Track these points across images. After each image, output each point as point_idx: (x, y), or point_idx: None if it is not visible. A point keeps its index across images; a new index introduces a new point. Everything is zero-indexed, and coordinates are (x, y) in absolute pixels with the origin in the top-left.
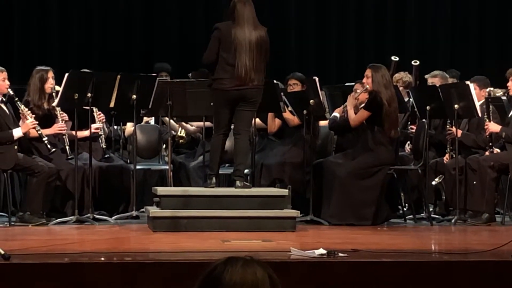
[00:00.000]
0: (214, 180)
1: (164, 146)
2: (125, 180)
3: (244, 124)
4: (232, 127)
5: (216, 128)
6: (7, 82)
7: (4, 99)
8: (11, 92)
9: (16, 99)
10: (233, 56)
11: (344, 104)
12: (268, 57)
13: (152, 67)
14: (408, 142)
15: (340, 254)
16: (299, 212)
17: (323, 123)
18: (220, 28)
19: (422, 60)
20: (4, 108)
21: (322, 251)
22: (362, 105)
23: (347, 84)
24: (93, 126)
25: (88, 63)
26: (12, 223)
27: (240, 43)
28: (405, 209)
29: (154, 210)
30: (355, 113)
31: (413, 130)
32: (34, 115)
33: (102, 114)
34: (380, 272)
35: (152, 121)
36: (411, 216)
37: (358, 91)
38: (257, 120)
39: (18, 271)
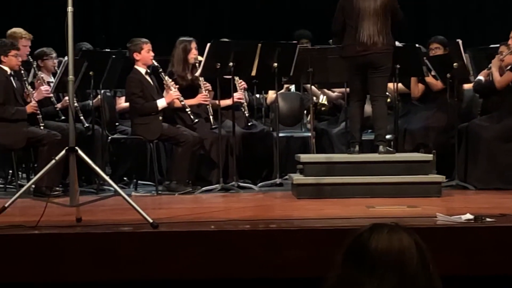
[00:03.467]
0: (357, 147)
1: (306, 113)
2: (268, 148)
3: (377, 90)
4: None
5: (351, 95)
6: (152, 54)
7: (148, 71)
8: (156, 64)
9: (160, 70)
10: (356, 23)
11: (489, 66)
12: (400, 15)
13: (292, 34)
14: None
15: (488, 219)
16: (444, 177)
17: (467, 86)
18: None
19: None
20: (149, 79)
21: (468, 216)
22: (508, 67)
23: (491, 46)
24: (236, 94)
25: (228, 32)
26: (159, 192)
27: (362, 8)
28: None
29: (297, 177)
30: (501, 75)
31: None
32: (177, 86)
33: (243, 82)
34: None
35: (293, 88)
36: None
37: (503, 53)
38: (400, 85)
39: (166, 239)
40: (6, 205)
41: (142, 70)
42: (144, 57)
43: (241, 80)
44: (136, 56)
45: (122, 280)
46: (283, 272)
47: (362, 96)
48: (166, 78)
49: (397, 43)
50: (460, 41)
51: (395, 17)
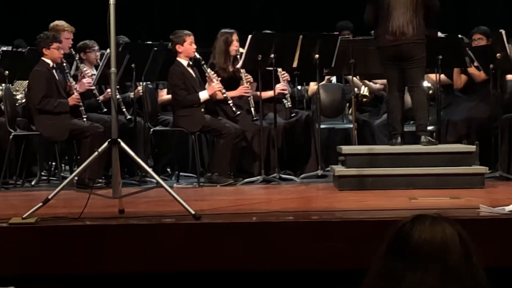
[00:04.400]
0: (399, 139)
1: (347, 104)
2: (309, 140)
3: (413, 81)
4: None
5: (388, 86)
6: (194, 46)
7: (191, 63)
8: (198, 56)
9: (202, 62)
10: (387, 13)
11: None
12: (435, 7)
13: (334, 25)
14: None
15: None
16: (487, 168)
17: (510, 76)
18: None
19: None
20: (191, 71)
21: None
22: None
23: None
24: (278, 86)
25: (269, 23)
26: (201, 183)
27: None
28: None
29: (339, 169)
30: None
31: None
32: (219, 78)
33: (287, 74)
34: None
35: (334, 79)
36: None
37: None
38: (442, 76)
39: (208, 230)
40: (50, 196)
41: (184, 62)
42: (187, 49)
43: (284, 72)
44: (179, 48)
45: (164, 272)
46: (325, 264)
47: (400, 86)
48: (209, 70)
49: (439, 34)
50: (503, 32)
51: (431, 8)
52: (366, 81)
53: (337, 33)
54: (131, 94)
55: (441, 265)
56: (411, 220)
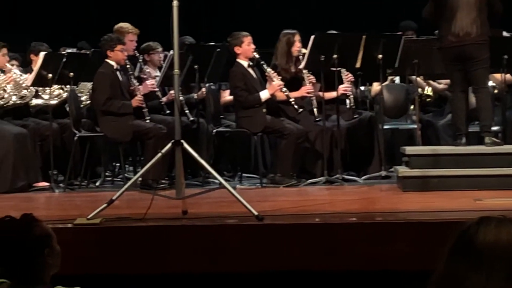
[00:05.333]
0: (464, 139)
1: (411, 105)
2: (372, 140)
3: (478, 82)
4: None
5: (452, 87)
6: (252, 46)
7: (251, 63)
8: (257, 56)
9: (262, 62)
10: (450, 13)
11: None
12: (498, 7)
13: (397, 25)
14: None
15: None
16: None
17: None
18: None
19: None
20: (252, 72)
21: None
22: None
23: None
24: (341, 87)
25: (332, 23)
26: (264, 184)
27: None
28: None
29: (403, 170)
30: None
31: None
32: (281, 78)
33: (350, 75)
34: None
35: (397, 80)
36: None
37: None
38: (508, 76)
39: (271, 231)
40: (114, 197)
41: (244, 63)
42: (245, 50)
43: (348, 72)
44: (237, 50)
45: (226, 272)
46: (388, 265)
47: (463, 86)
48: (268, 69)
49: (504, 33)
50: None
51: (494, 7)
52: (430, 81)
53: (401, 33)
54: (195, 95)
55: (506, 268)
56: (475, 222)
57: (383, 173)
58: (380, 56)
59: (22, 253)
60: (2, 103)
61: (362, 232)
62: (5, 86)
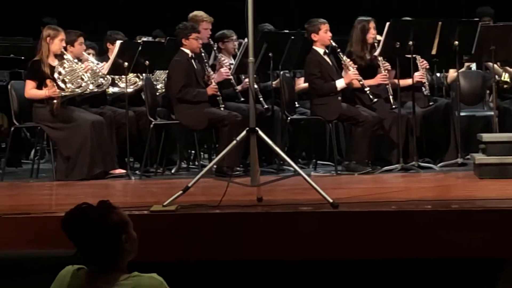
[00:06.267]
0: None
1: (488, 91)
2: (449, 128)
3: None
4: None
5: None
6: (329, 34)
7: (327, 51)
8: (334, 44)
9: (339, 50)
10: None
11: None
12: None
13: (473, 11)
14: None
15: None
16: None
17: None
18: None
19: None
20: (327, 59)
21: None
22: None
23: None
24: (416, 74)
25: (407, 10)
26: (339, 172)
27: None
28: None
29: (480, 157)
30: None
31: None
32: (356, 66)
33: (425, 62)
34: None
35: (474, 66)
36: None
37: None
38: None
39: (346, 219)
40: (190, 184)
41: (321, 51)
42: (322, 37)
43: (422, 59)
44: (314, 37)
45: (301, 259)
46: (465, 252)
47: None
48: (345, 58)
49: None
50: None
51: None
52: (507, 68)
53: (477, 19)
54: (273, 84)
55: None
56: None
57: (460, 160)
58: (456, 42)
59: (99, 239)
60: (79, 91)
61: (438, 220)
62: (83, 75)
